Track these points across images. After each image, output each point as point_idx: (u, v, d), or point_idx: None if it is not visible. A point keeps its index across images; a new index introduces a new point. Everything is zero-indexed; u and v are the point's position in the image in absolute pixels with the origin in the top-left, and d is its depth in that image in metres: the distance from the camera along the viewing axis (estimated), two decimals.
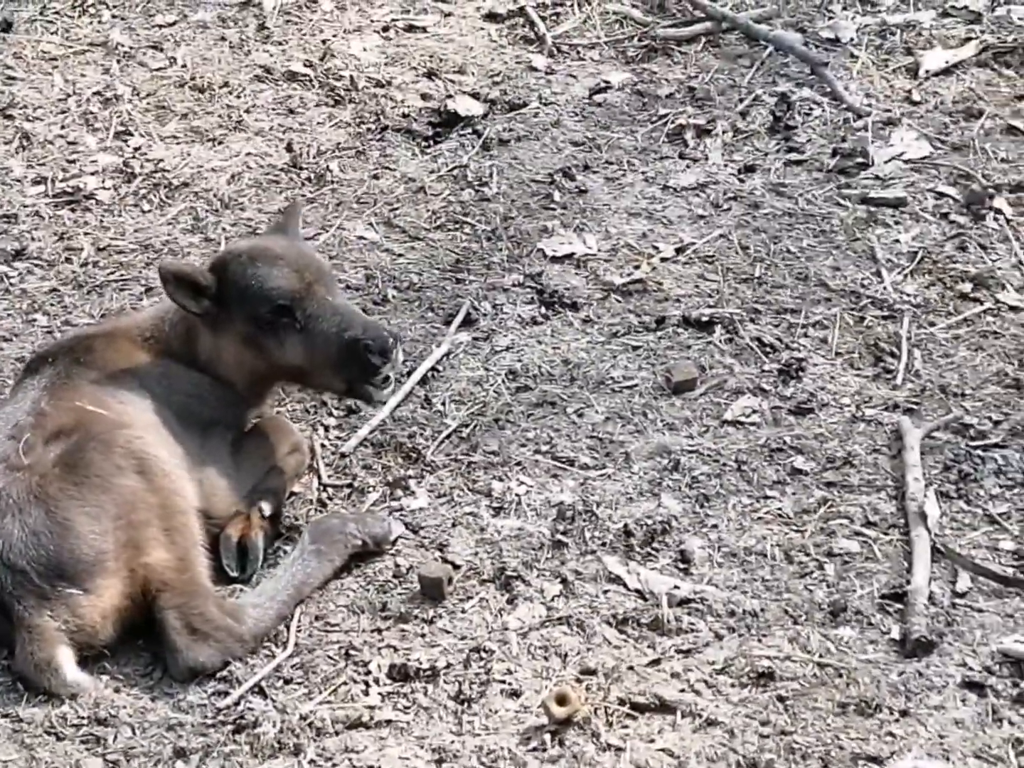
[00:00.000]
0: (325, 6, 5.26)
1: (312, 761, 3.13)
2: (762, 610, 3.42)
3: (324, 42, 5.14)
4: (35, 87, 5.15)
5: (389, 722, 3.21)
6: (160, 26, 5.39)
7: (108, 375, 3.54)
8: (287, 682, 3.31)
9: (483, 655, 3.33)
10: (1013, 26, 4.96)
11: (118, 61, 5.29)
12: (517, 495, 3.78)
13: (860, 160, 4.61)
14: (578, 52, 5.22)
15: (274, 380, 3.73)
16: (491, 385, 4.14)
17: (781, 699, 3.12)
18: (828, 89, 4.82)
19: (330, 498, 3.89)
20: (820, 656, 3.26)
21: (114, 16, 5.53)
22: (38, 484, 3.31)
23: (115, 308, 4.47)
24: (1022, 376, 3.82)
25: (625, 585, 3.50)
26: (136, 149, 4.91)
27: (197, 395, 3.61)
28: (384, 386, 3.58)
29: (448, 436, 3.99)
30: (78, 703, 3.24)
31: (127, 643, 3.39)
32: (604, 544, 3.63)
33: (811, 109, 4.89)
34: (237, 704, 3.25)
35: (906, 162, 4.48)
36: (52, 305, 4.50)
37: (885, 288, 4.12)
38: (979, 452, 3.88)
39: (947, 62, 4.77)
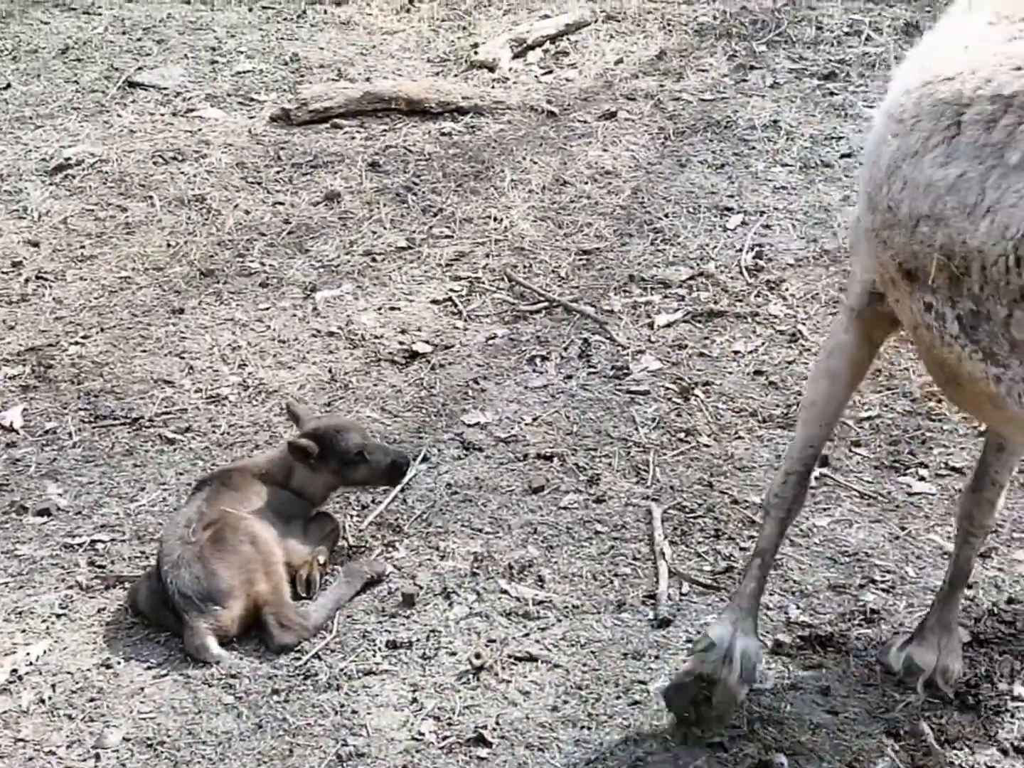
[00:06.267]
0: None
1: (346, 694, 3.93)
2: (578, 606, 4.33)
3: None
4: None
5: (386, 671, 4.05)
6: None
7: (239, 492, 4.47)
8: (331, 651, 4.12)
9: (435, 634, 4.21)
10: None
11: None
12: (452, 548, 4.63)
13: None
14: None
15: (339, 488, 4.64)
16: (439, 492, 4.94)
17: (593, 653, 4.05)
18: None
19: (353, 553, 4.63)
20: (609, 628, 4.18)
21: None
22: (199, 551, 4.20)
23: (245, 454, 5.12)
24: None
25: (509, 594, 4.42)
26: None
27: (285, 503, 4.53)
28: (403, 480, 4.64)
29: (416, 518, 4.79)
30: (218, 667, 4.07)
31: (244, 636, 4.19)
32: (498, 572, 4.52)
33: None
34: (305, 664, 4.08)
35: None
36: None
37: None
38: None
39: None
